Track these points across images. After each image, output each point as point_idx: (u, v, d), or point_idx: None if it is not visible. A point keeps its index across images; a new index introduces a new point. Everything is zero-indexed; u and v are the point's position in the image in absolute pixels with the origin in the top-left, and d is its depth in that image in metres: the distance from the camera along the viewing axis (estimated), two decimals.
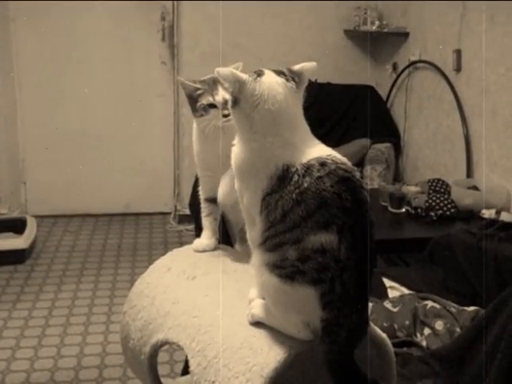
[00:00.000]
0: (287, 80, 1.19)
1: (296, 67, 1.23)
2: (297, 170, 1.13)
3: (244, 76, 1.18)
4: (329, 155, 1.15)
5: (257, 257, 1.21)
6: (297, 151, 1.16)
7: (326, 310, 1.13)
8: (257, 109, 1.17)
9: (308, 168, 1.12)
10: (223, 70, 1.19)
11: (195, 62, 4.22)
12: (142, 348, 1.44)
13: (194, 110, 1.56)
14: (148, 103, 4.43)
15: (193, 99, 1.56)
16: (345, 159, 1.17)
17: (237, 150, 1.23)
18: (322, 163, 1.13)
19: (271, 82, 1.18)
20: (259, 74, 1.19)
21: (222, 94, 1.52)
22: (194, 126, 1.60)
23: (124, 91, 4.38)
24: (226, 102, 1.51)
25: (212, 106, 1.53)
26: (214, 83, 1.55)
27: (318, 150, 1.17)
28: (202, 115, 1.54)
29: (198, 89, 1.55)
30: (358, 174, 1.16)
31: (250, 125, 1.19)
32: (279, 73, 1.21)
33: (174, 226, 4.41)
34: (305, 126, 1.22)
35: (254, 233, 1.22)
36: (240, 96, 1.18)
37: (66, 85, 4.31)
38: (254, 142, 1.19)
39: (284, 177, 1.14)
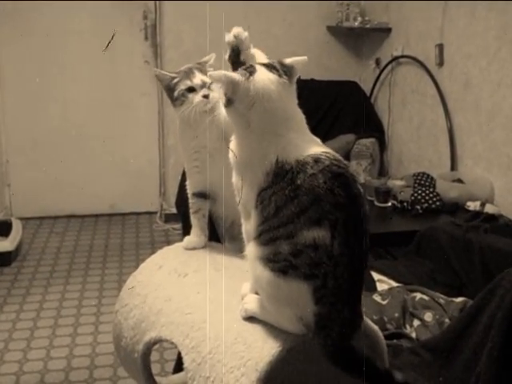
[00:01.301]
0: (280, 75, 1.19)
1: (287, 61, 1.22)
2: (292, 167, 1.13)
3: (236, 76, 1.17)
4: (323, 152, 1.16)
5: (251, 250, 1.21)
6: (292, 146, 1.16)
7: (319, 305, 1.14)
8: (252, 108, 1.17)
9: (302, 165, 1.13)
10: (215, 73, 1.19)
11: (178, 61, 4.19)
12: (135, 346, 1.44)
13: (173, 99, 1.55)
14: (132, 102, 4.41)
15: (171, 89, 1.55)
16: (339, 156, 1.18)
17: (234, 146, 1.23)
18: (316, 159, 1.13)
19: (264, 80, 1.17)
20: (251, 71, 1.18)
21: (199, 77, 1.52)
22: (178, 121, 1.60)
23: (107, 91, 4.36)
24: (204, 84, 1.52)
25: (191, 89, 1.52)
26: (189, 69, 1.55)
27: (312, 147, 1.18)
28: (182, 102, 1.53)
29: (174, 78, 1.54)
30: (351, 170, 1.18)
31: (247, 123, 1.19)
32: (270, 67, 1.20)
33: (161, 225, 4.39)
34: (300, 119, 1.23)
35: (249, 226, 1.23)
36: (234, 97, 1.17)
37: (48, 85, 4.27)
38: (251, 140, 1.19)
39: (278, 173, 1.15)
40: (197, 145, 1.56)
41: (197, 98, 1.51)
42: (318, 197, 1.11)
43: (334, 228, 1.10)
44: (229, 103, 1.19)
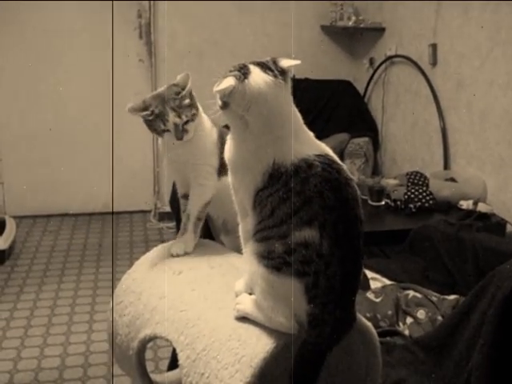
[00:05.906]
0: (275, 76, 1.17)
1: (281, 64, 1.20)
2: (286, 170, 1.15)
3: (230, 82, 1.14)
4: (317, 156, 1.16)
5: (248, 247, 1.22)
6: (289, 148, 1.16)
7: (312, 305, 1.15)
8: (249, 111, 1.16)
9: (296, 169, 1.14)
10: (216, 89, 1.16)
11: (173, 60, 4.19)
12: (129, 343, 1.45)
13: (152, 130, 1.56)
14: (126, 101, 4.39)
15: (148, 121, 1.56)
16: (334, 157, 1.19)
17: (231, 146, 1.23)
18: (310, 165, 1.14)
19: (259, 83, 1.15)
20: (245, 73, 1.16)
21: (172, 119, 1.50)
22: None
23: (101, 89, 4.33)
24: (177, 125, 1.50)
25: (165, 131, 1.52)
26: (162, 106, 1.51)
27: (309, 148, 1.18)
28: (161, 134, 1.55)
29: (148, 115, 1.53)
30: (345, 173, 1.18)
31: (245, 126, 1.18)
32: (265, 68, 1.18)
33: (155, 224, 4.40)
34: (297, 119, 1.22)
35: (246, 227, 1.24)
36: (229, 100, 1.16)
37: (42, 84, 4.26)
38: (248, 141, 1.19)
39: (274, 175, 1.16)
40: (170, 158, 1.61)
41: (172, 139, 1.53)
42: (309, 199, 1.13)
43: (323, 229, 1.12)
44: (225, 106, 1.18)
